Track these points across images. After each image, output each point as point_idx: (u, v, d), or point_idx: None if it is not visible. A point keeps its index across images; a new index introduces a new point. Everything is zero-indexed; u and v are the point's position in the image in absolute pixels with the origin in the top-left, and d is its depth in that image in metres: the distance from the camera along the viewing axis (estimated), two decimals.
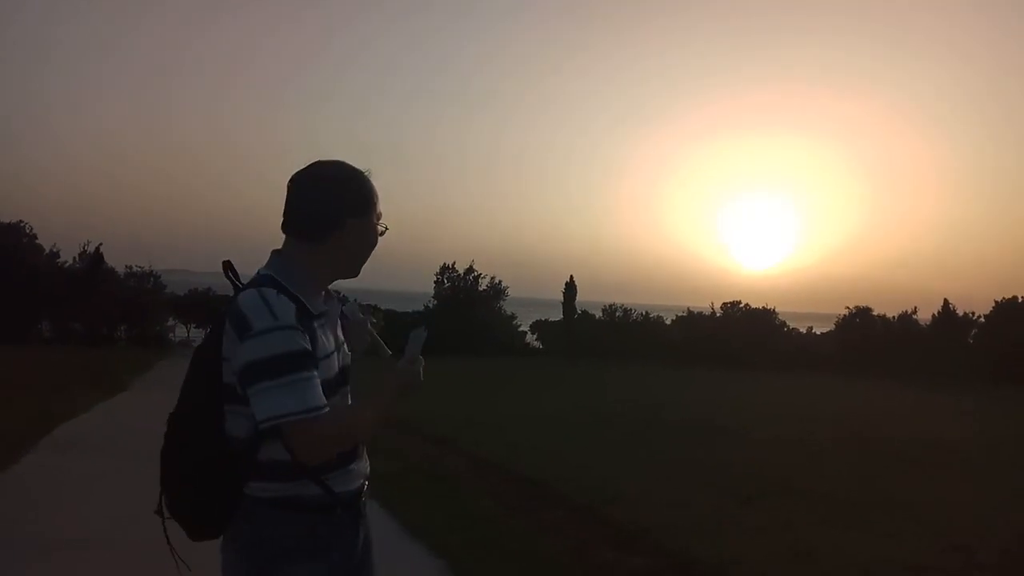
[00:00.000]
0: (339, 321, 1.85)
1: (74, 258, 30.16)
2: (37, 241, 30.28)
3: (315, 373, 1.62)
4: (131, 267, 30.94)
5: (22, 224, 29.96)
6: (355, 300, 2.08)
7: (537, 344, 35.62)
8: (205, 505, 1.70)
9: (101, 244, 29.89)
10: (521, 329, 36.16)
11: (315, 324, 1.69)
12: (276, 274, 1.69)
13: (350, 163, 1.80)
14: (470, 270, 34.58)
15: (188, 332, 31.00)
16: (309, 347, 1.62)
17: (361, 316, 2.04)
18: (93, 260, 29.33)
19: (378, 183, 1.81)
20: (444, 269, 34.63)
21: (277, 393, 1.56)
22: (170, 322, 31.32)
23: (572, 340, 33.25)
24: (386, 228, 1.84)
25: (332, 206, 1.72)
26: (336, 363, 1.75)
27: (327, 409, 1.61)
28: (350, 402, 1.83)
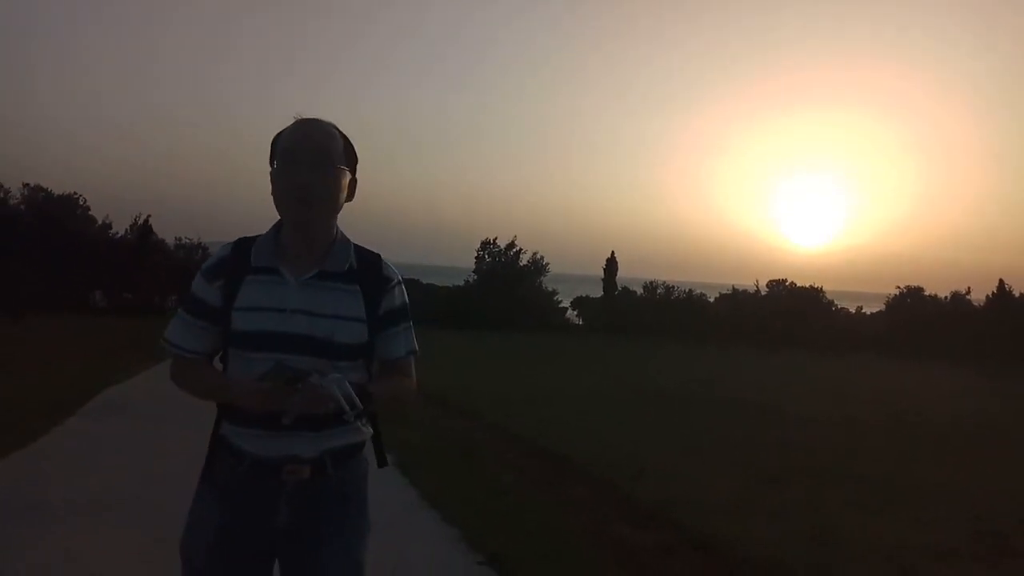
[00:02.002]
0: (321, 291, 1.74)
1: (126, 229, 31.02)
2: (90, 212, 31.24)
3: (189, 317, 1.81)
4: (180, 238, 31.71)
5: (75, 196, 30.92)
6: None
7: (577, 320, 35.52)
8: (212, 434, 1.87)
9: (150, 216, 30.64)
10: (562, 305, 36.10)
11: (250, 277, 1.76)
12: (265, 231, 1.83)
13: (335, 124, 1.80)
14: (511, 245, 34.55)
15: None
16: (205, 294, 1.79)
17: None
18: (142, 231, 30.10)
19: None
20: (485, 244, 34.65)
21: (172, 317, 1.86)
22: None
23: (612, 317, 33.08)
24: (292, 163, 1.69)
25: None
26: (272, 322, 1.70)
27: (174, 348, 1.82)
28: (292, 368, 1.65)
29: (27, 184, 30.69)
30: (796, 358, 24.00)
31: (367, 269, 1.80)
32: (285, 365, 1.63)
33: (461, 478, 6.04)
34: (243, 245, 1.79)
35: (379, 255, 1.85)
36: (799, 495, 6.25)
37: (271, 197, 1.77)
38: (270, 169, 1.77)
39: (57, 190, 30.96)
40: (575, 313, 35.98)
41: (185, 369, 1.82)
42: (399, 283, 1.84)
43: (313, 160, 1.70)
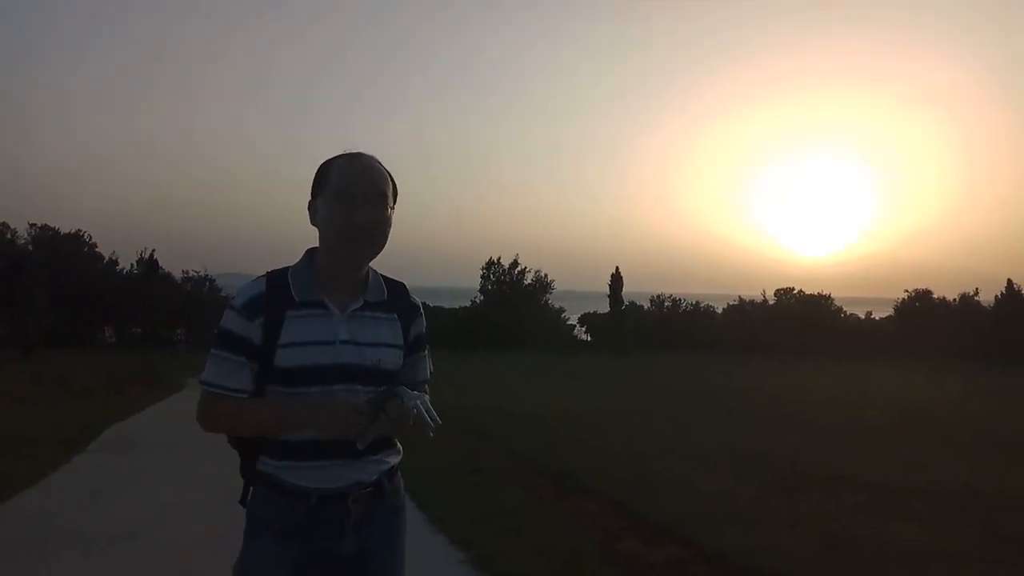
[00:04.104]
0: (364, 321, 1.78)
1: (132, 264, 31.23)
2: (97, 250, 31.45)
3: (230, 355, 1.72)
4: (187, 271, 31.88)
5: (81, 233, 31.14)
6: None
7: (585, 337, 35.49)
8: (242, 467, 1.83)
9: (155, 250, 30.84)
10: (569, 322, 36.11)
11: (292, 312, 1.72)
12: (294, 264, 1.80)
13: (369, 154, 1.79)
14: (515, 264, 34.59)
15: None
16: (245, 330, 1.72)
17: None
18: (148, 266, 30.30)
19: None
20: (490, 264, 34.69)
21: (208, 360, 1.76)
22: None
23: (620, 332, 33.03)
24: (347, 196, 1.69)
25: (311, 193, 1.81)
26: (322, 355, 1.71)
27: (216, 389, 1.73)
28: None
29: (34, 224, 30.98)
30: (807, 365, 23.89)
31: (398, 297, 1.85)
32: (389, 389, 1.68)
33: (469, 499, 6.01)
34: (276, 279, 1.76)
35: (404, 284, 1.90)
36: (815, 504, 6.19)
37: (309, 227, 1.78)
38: (310, 199, 1.77)
39: (64, 228, 31.20)
40: (583, 329, 35.98)
41: (227, 409, 1.74)
42: (422, 311, 1.92)
43: (373, 201, 1.73)
